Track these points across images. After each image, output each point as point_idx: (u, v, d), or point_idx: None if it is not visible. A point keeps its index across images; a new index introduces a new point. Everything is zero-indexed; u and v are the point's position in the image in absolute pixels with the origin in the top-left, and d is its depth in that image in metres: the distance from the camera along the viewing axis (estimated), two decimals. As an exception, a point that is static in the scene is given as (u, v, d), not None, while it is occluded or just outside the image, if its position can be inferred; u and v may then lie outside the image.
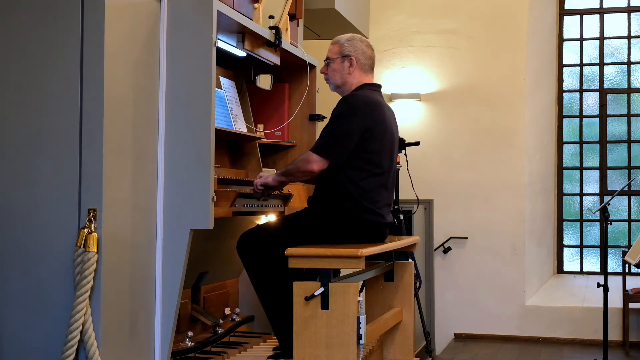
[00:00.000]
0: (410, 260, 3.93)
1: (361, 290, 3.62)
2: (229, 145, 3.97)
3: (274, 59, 3.91)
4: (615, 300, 6.24)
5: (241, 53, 3.70)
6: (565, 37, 7.28)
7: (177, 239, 3.08)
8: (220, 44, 3.43)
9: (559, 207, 7.22)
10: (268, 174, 3.57)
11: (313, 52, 4.36)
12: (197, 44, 3.09)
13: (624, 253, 5.78)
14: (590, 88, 7.21)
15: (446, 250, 6.86)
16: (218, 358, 3.60)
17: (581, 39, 7.25)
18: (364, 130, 3.41)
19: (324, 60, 3.65)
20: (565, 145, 7.24)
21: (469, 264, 6.88)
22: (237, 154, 3.99)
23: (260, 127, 4.13)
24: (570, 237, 7.24)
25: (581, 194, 7.20)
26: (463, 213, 6.90)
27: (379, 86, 3.65)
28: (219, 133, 3.40)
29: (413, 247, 3.92)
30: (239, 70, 4.06)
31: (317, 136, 4.21)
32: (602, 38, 7.18)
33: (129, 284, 2.94)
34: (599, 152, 7.11)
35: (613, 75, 7.19)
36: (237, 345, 3.83)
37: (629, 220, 7.05)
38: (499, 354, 6.23)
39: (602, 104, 7.08)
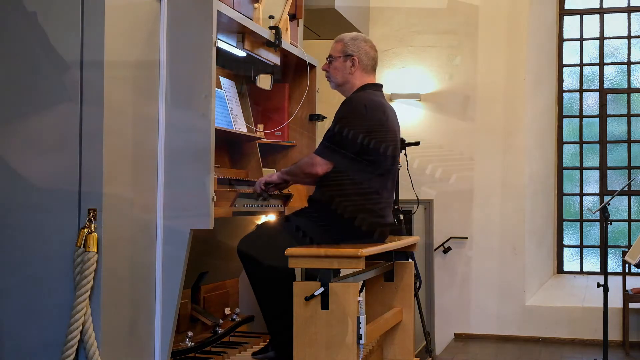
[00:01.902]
0: (410, 260, 3.93)
1: (361, 290, 3.62)
2: (229, 145, 3.97)
3: (274, 59, 3.91)
4: (615, 300, 6.23)
5: (241, 53, 3.70)
6: (565, 37, 7.28)
7: (177, 239, 3.08)
8: (220, 44, 3.43)
9: (559, 207, 7.22)
10: (271, 174, 3.58)
11: (313, 52, 4.36)
12: (197, 44, 3.09)
13: (624, 253, 5.78)
14: (590, 88, 7.22)
15: (446, 250, 6.85)
16: (218, 358, 3.60)
17: (581, 39, 7.25)
18: (367, 132, 3.41)
19: (327, 58, 3.65)
20: (565, 145, 7.23)
21: (469, 264, 6.88)
22: (237, 154, 3.99)
23: (260, 127, 4.13)
24: (570, 237, 7.24)
25: (581, 194, 7.20)
26: (463, 213, 6.90)
27: (380, 86, 3.66)
28: (219, 133, 3.40)
29: (413, 247, 3.92)
30: (239, 70, 4.06)
31: (317, 136, 4.22)
32: (602, 38, 7.18)
33: (129, 284, 2.94)
34: (599, 152, 7.11)
35: (613, 75, 7.19)
36: (237, 345, 3.83)
37: (629, 220, 7.05)
38: (499, 354, 6.23)
39: (602, 104, 7.08)
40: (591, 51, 7.25)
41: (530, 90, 6.95)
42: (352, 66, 3.58)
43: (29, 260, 2.83)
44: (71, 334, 2.70)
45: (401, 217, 5.03)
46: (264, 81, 4.01)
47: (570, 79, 7.29)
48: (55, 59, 2.84)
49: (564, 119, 7.24)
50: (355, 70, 3.58)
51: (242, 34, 3.59)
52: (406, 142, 4.88)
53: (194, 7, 3.11)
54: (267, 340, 3.96)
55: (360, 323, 3.03)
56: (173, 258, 3.09)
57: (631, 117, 7.06)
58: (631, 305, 6.32)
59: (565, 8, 7.28)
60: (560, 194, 7.23)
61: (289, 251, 3.11)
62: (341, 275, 3.37)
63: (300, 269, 3.66)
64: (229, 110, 3.81)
